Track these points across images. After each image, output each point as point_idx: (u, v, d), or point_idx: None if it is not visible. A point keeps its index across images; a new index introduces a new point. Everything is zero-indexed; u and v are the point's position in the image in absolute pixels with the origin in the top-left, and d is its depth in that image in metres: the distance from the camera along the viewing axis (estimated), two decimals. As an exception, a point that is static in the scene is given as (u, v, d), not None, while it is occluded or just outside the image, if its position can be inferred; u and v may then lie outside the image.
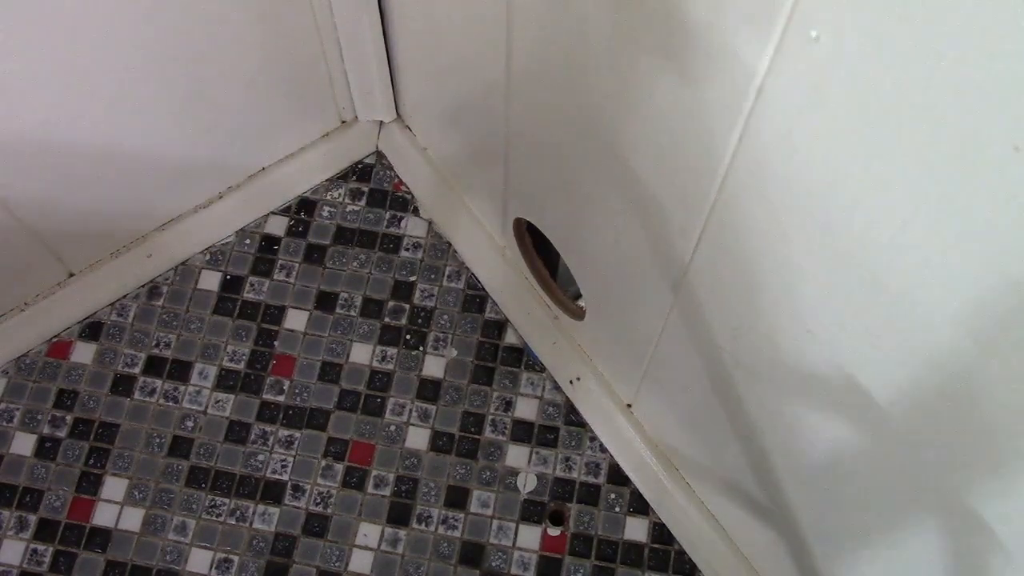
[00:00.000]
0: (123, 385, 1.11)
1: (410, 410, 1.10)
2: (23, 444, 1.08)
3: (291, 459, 1.08)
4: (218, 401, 1.10)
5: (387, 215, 1.20)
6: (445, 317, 1.15)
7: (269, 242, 1.18)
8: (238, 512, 1.05)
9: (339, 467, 1.08)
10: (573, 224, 0.88)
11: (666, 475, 1.02)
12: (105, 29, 0.86)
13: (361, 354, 1.13)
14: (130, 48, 0.89)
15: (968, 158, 0.40)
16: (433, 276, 1.17)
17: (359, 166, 1.23)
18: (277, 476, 1.07)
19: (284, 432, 1.09)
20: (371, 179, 1.22)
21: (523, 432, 1.09)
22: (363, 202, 1.21)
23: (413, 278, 1.17)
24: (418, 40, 0.98)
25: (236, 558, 1.04)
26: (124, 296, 1.15)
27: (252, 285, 1.16)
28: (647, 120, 0.63)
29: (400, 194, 1.21)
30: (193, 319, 1.14)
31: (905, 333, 0.51)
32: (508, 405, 1.11)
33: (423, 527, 1.05)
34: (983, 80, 0.37)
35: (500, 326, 1.14)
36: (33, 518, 1.05)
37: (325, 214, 1.20)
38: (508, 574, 1.04)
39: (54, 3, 0.81)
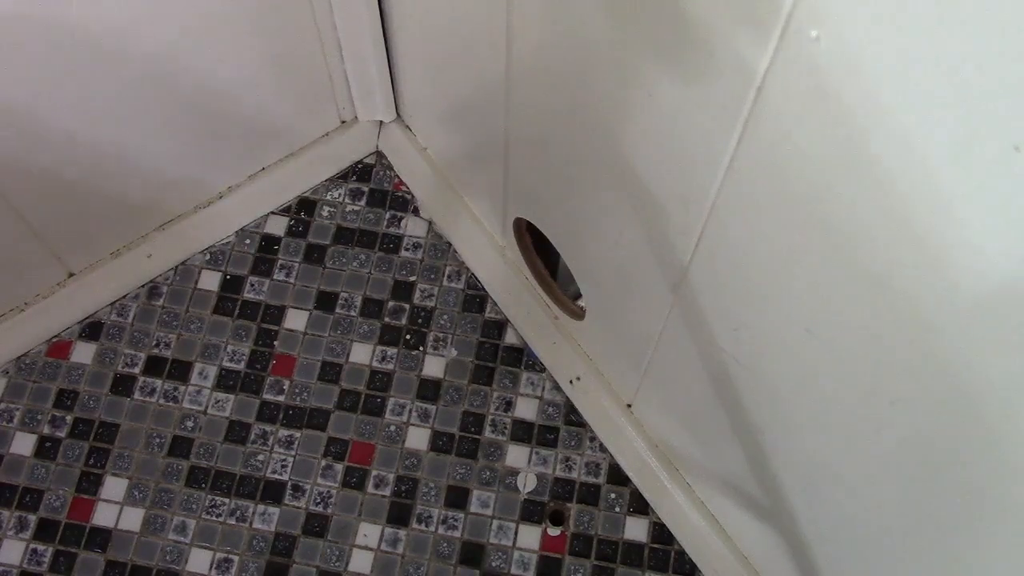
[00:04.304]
0: (123, 385, 1.11)
1: (410, 410, 1.10)
2: (23, 444, 1.08)
3: (291, 459, 1.08)
4: (218, 401, 1.10)
5: (387, 215, 1.20)
6: (445, 317, 1.15)
7: (269, 242, 1.18)
8: (238, 512, 1.05)
9: (339, 467, 1.08)
10: (573, 224, 0.88)
11: (666, 475, 1.02)
12: (105, 29, 0.86)
13: (361, 354, 1.13)
14: (131, 48, 0.89)
15: (969, 158, 0.40)
16: (433, 276, 1.17)
17: (359, 166, 1.23)
18: (277, 476, 1.07)
19: (284, 432, 1.09)
20: (371, 179, 1.22)
21: (523, 432, 1.09)
22: (363, 202, 1.21)
23: (413, 278, 1.17)
24: (418, 40, 0.98)
25: (236, 558, 1.04)
26: (124, 296, 1.15)
27: (252, 285, 1.16)
28: (647, 120, 0.63)
29: (400, 194, 1.21)
30: (193, 319, 1.14)
31: (905, 333, 0.51)
32: (508, 405, 1.11)
33: (423, 527, 1.05)
34: (983, 80, 0.37)
35: (500, 326, 1.14)
36: (33, 518, 1.05)
37: (325, 214, 1.20)
38: (508, 574, 1.04)
39: (54, 3, 0.81)
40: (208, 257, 1.17)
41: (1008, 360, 0.46)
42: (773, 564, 0.92)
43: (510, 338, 1.14)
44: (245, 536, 1.05)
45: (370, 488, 1.07)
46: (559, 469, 1.08)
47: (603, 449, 1.08)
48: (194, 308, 1.15)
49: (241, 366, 1.12)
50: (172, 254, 1.15)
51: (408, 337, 1.14)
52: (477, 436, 1.09)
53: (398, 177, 1.22)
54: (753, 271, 0.63)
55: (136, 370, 1.11)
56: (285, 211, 1.20)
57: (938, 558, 0.62)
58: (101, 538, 1.04)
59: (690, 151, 0.60)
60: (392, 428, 1.10)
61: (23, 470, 1.06)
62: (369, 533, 1.05)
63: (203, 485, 1.07)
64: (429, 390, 1.11)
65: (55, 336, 1.12)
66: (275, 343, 1.13)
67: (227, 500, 1.06)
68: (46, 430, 1.08)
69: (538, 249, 1.06)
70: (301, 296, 1.16)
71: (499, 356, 1.13)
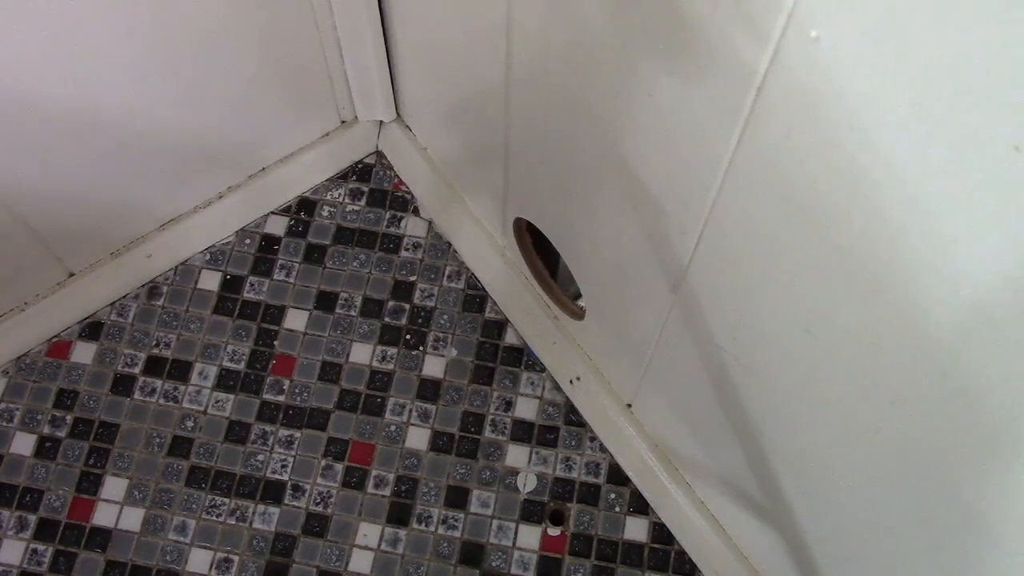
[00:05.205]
0: (123, 385, 1.11)
1: (410, 410, 1.10)
2: (23, 444, 1.08)
3: (291, 459, 1.08)
4: (218, 401, 1.10)
5: (387, 215, 1.20)
6: (445, 317, 1.15)
7: (269, 242, 1.18)
8: (238, 512, 1.05)
9: (339, 467, 1.08)
10: (573, 224, 0.88)
11: (666, 475, 1.02)
12: (106, 30, 0.86)
13: (361, 354, 1.13)
14: (130, 48, 0.89)
15: (968, 158, 0.40)
16: (433, 276, 1.17)
17: (359, 166, 1.23)
18: (277, 476, 1.07)
19: (284, 432, 1.09)
20: (371, 179, 1.22)
21: (523, 432, 1.09)
22: (363, 202, 1.21)
23: (413, 278, 1.17)
24: (418, 40, 0.98)
25: (236, 558, 1.04)
26: (124, 296, 1.15)
27: (252, 285, 1.16)
28: (647, 120, 0.63)
29: (400, 194, 1.21)
30: (193, 319, 1.14)
31: (904, 333, 0.51)
32: (508, 405, 1.11)
33: (423, 527, 1.05)
34: (983, 80, 0.37)
35: (500, 326, 1.14)
36: (33, 518, 1.05)
37: (325, 214, 1.20)
38: (508, 574, 1.04)
39: (56, 3, 0.81)
40: (208, 257, 1.17)
41: (1008, 359, 0.46)
42: (773, 564, 0.92)
43: (510, 338, 1.14)
44: (245, 536, 1.05)
45: (370, 488, 1.07)
46: (559, 469, 1.08)
47: (603, 449, 1.08)
48: (194, 308, 1.15)
49: (241, 366, 1.12)
50: (172, 254, 1.15)
51: (408, 337, 1.14)
52: (477, 436, 1.09)
53: (398, 177, 1.22)
54: (753, 271, 0.63)
55: (136, 370, 1.11)
56: (285, 211, 1.20)
57: (938, 558, 0.62)
58: (101, 538, 1.04)
59: (690, 151, 0.60)
60: (392, 428, 1.10)
61: (23, 470, 1.07)
62: (369, 533, 1.05)
63: (203, 485, 1.07)
64: (429, 390, 1.11)
65: (55, 336, 1.12)
66: (275, 343, 1.13)
67: (227, 500, 1.06)
68: (46, 430, 1.08)
69: (538, 249, 1.06)
70: (301, 296, 1.16)
71: (499, 356, 1.13)
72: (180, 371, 1.11)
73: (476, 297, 1.16)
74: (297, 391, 1.11)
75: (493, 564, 1.04)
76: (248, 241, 1.18)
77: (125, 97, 0.94)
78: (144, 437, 1.09)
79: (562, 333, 1.08)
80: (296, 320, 1.14)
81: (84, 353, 1.12)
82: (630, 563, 1.04)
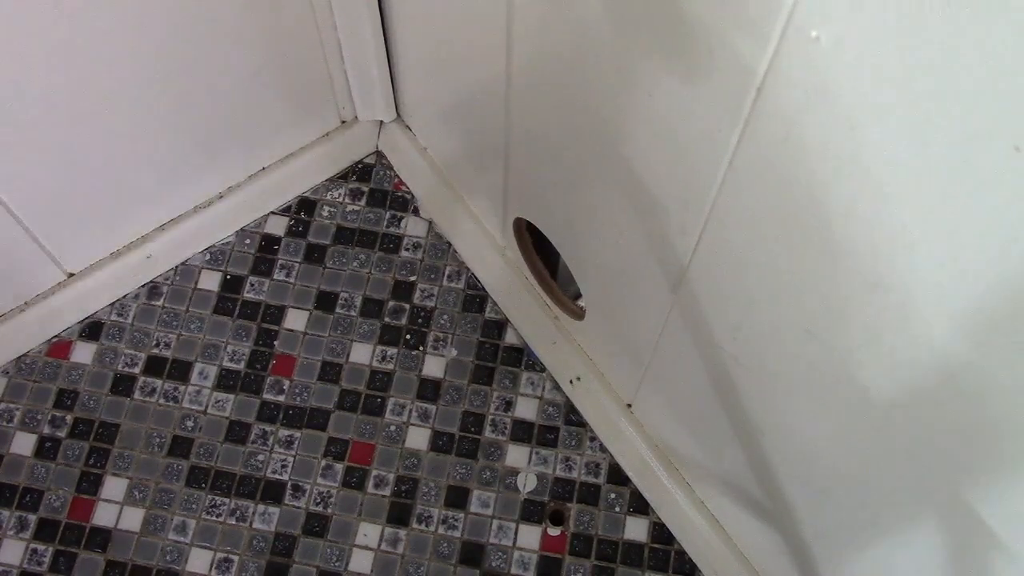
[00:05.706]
0: (123, 385, 1.11)
1: (410, 410, 1.10)
2: (23, 444, 1.08)
3: (291, 459, 1.08)
4: (218, 401, 1.10)
5: (387, 215, 1.20)
6: (445, 317, 1.15)
7: (269, 242, 1.18)
8: (238, 512, 1.05)
9: (339, 467, 1.08)
10: (573, 224, 0.88)
11: (666, 475, 1.02)
12: (105, 29, 0.86)
13: (361, 354, 1.13)
14: (130, 48, 0.89)
15: (968, 158, 0.40)
16: (433, 276, 1.17)
17: (359, 166, 1.23)
18: (277, 476, 1.07)
19: (284, 432, 1.09)
20: (371, 179, 1.22)
21: (523, 432, 1.09)
22: (363, 202, 1.21)
23: (413, 278, 1.17)
24: (418, 40, 0.98)
25: (236, 558, 1.04)
26: (124, 296, 1.15)
27: (252, 285, 1.16)
28: (647, 120, 0.63)
29: (400, 194, 1.21)
30: (193, 319, 1.14)
31: (905, 333, 0.51)
32: (508, 405, 1.11)
33: (423, 527, 1.05)
34: (983, 80, 0.37)
35: (500, 326, 1.14)
36: (33, 518, 1.05)
37: (325, 214, 1.20)
38: (508, 574, 1.04)
39: (54, 3, 0.81)
40: (208, 257, 1.17)
41: (1008, 359, 0.46)
42: (773, 564, 0.92)
43: (510, 338, 1.14)
44: (245, 536, 1.05)
45: (370, 488, 1.07)
46: (559, 469, 1.08)
47: (603, 449, 1.08)
48: (194, 308, 1.15)
49: (241, 366, 1.12)
50: (172, 254, 1.15)
51: (408, 337, 1.14)
52: (477, 436, 1.09)
53: (398, 177, 1.22)
54: (753, 271, 0.63)
55: (136, 370, 1.11)
56: (285, 211, 1.20)
57: (939, 559, 0.62)
58: (101, 538, 1.04)
59: (690, 151, 0.60)
60: (392, 428, 1.10)
61: (23, 470, 1.06)
62: (369, 533, 1.05)
63: (203, 485, 1.07)
64: (429, 390, 1.11)
65: (55, 336, 1.12)
66: (275, 343, 1.13)
67: (227, 500, 1.06)
68: (46, 430, 1.08)
69: (538, 249, 1.06)
70: (301, 296, 1.16)
71: (499, 356, 1.13)
72: (180, 371, 1.11)
73: (476, 297, 1.16)
74: (297, 391, 1.11)
75: (493, 564, 1.04)
76: (248, 241, 1.18)
77: (125, 97, 0.94)
78: (144, 437, 1.09)
79: (562, 333, 1.08)
80: (296, 320, 1.14)
81: (84, 353, 1.12)
82: (630, 563, 1.04)
